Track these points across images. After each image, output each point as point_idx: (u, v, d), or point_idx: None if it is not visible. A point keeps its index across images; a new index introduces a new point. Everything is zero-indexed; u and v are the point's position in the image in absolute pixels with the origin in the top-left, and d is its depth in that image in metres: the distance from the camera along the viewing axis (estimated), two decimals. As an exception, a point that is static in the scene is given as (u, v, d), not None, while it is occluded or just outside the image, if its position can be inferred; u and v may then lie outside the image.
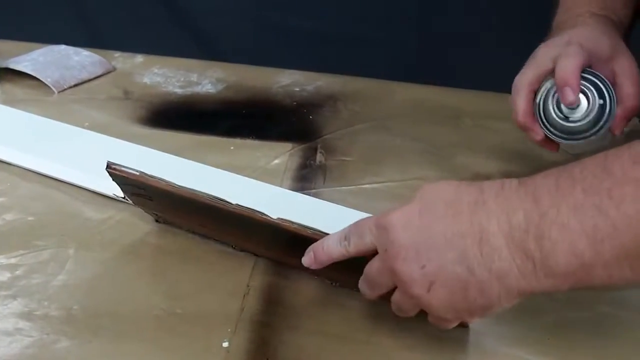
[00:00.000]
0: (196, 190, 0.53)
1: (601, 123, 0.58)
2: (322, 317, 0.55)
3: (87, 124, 0.79)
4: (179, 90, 0.92)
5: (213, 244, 0.61)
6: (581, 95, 0.58)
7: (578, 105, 0.58)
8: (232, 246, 0.61)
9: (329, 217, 0.62)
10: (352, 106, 0.89)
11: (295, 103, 0.90)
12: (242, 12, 1.30)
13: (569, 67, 0.58)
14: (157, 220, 0.64)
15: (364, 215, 0.54)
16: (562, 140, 0.60)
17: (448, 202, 0.44)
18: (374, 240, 0.46)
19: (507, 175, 0.45)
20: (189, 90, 0.92)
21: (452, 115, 0.74)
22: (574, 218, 0.40)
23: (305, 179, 0.73)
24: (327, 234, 0.50)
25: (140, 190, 0.57)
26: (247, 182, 0.69)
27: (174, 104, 0.88)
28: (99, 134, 0.77)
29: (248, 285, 0.57)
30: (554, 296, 0.45)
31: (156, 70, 0.96)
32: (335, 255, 0.49)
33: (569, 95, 0.57)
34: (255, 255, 0.60)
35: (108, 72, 0.96)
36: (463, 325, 0.49)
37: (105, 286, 0.57)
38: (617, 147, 0.41)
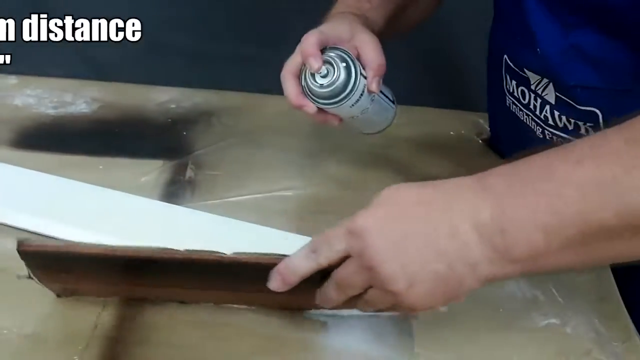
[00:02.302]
0: (138, 247, 0.50)
1: (352, 82, 0.65)
2: (171, 329, 0.56)
3: (-51, 150, 0.78)
4: (51, 111, 0.90)
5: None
6: (327, 65, 0.65)
7: (328, 73, 0.65)
8: (180, 301, 0.58)
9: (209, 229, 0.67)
10: (226, 121, 0.90)
11: (170, 120, 0.90)
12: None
13: (308, 43, 0.65)
14: (59, 295, 0.57)
15: (241, 223, 0.58)
16: (330, 107, 0.67)
17: (415, 204, 0.48)
18: (347, 247, 0.49)
19: (377, 179, 0.49)
20: (62, 111, 0.91)
21: (320, 126, 0.76)
22: (527, 215, 0.46)
23: (173, 195, 0.75)
24: (287, 255, 0.51)
25: (55, 262, 0.52)
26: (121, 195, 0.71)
27: (45, 125, 0.87)
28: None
29: (103, 305, 0.58)
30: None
31: (29, 92, 0.94)
32: (303, 271, 0.50)
33: (313, 63, 0.64)
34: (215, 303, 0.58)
35: (-23, 95, 0.94)
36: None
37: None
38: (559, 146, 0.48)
